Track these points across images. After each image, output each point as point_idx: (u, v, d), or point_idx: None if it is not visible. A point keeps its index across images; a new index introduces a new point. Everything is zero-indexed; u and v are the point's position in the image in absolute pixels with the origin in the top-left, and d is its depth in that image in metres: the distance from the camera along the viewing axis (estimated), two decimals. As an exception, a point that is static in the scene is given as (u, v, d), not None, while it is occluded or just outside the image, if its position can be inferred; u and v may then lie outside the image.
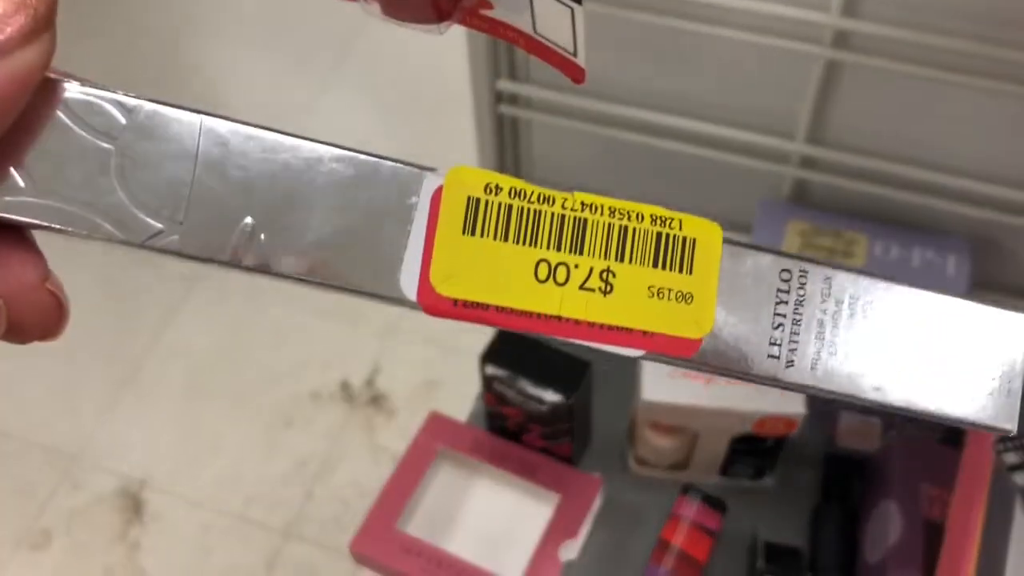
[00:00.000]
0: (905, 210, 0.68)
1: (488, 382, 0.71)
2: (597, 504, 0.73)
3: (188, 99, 0.24)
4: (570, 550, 0.70)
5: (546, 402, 0.69)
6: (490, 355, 0.70)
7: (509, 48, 0.69)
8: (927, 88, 0.61)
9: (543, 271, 0.23)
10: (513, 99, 0.72)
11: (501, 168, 0.76)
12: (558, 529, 0.71)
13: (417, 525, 0.73)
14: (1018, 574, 0.56)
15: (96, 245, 0.24)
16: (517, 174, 0.78)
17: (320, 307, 1.57)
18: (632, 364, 0.71)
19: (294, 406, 1.46)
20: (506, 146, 0.75)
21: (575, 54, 0.41)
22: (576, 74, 0.42)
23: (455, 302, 0.23)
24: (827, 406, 0.76)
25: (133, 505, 1.37)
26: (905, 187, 0.66)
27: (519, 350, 0.71)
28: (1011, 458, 0.60)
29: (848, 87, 0.63)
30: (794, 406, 0.66)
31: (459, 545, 0.71)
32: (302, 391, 1.47)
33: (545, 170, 0.77)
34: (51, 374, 1.49)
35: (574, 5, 0.38)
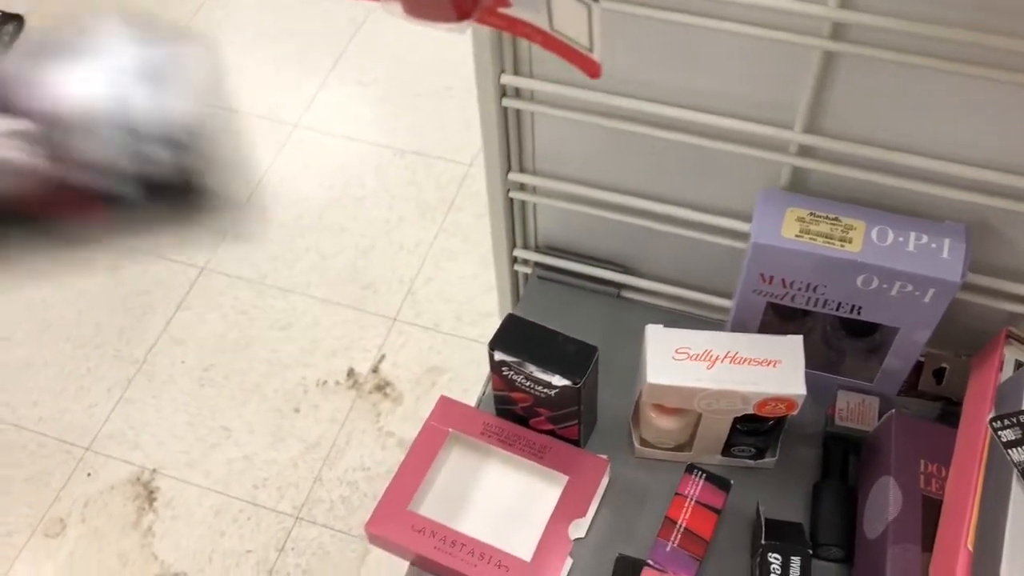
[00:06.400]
0: (901, 197, 0.70)
1: (497, 367, 0.73)
2: (604, 484, 0.75)
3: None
4: (579, 528, 0.73)
5: (554, 387, 0.71)
6: (498, 341, 0.72)
7: (513, 43, 0.71)
8: (922, 77, 0.62)
9: None
10: (517, 92, 0.74)
11: (506, 157, 0.78)
12: (567, 508, 0.73)
13: (429, 506, 0.75)
14: (1016, 548, 0.58)
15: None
16: (521, 165, 0.80)
17: (325, 296, 1.59)
18: (637, 349, 0.73)
19: (302, 393, 1.48)
20: (511, 138, 0.77)
21: (591, 49, 0.43)
22: (592, 69, 0.44)
23: None
24: (826, 387, 0.78)
25: (146, 492, 1.39)
26: (901, 174, 0.68)
27: (527, 336, 0.72)
28: (1008, 435, 0.62)
29: (845, 77, 0.64)
30: (795, 387, 0.68)
31: (471, 525, 0.74)
32: (309, 378, 1.50)
33: (549, 161, 0.78)
34: (64, 365, 1.51)
35: (591, 3, 0.40)
